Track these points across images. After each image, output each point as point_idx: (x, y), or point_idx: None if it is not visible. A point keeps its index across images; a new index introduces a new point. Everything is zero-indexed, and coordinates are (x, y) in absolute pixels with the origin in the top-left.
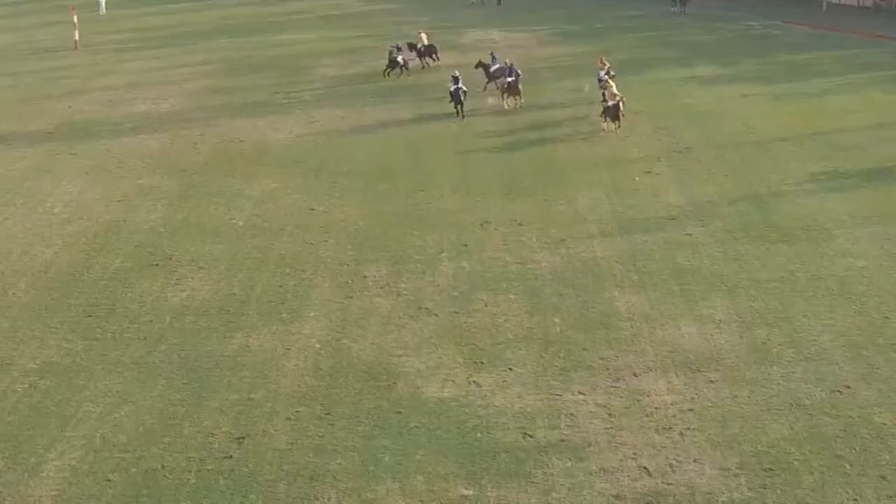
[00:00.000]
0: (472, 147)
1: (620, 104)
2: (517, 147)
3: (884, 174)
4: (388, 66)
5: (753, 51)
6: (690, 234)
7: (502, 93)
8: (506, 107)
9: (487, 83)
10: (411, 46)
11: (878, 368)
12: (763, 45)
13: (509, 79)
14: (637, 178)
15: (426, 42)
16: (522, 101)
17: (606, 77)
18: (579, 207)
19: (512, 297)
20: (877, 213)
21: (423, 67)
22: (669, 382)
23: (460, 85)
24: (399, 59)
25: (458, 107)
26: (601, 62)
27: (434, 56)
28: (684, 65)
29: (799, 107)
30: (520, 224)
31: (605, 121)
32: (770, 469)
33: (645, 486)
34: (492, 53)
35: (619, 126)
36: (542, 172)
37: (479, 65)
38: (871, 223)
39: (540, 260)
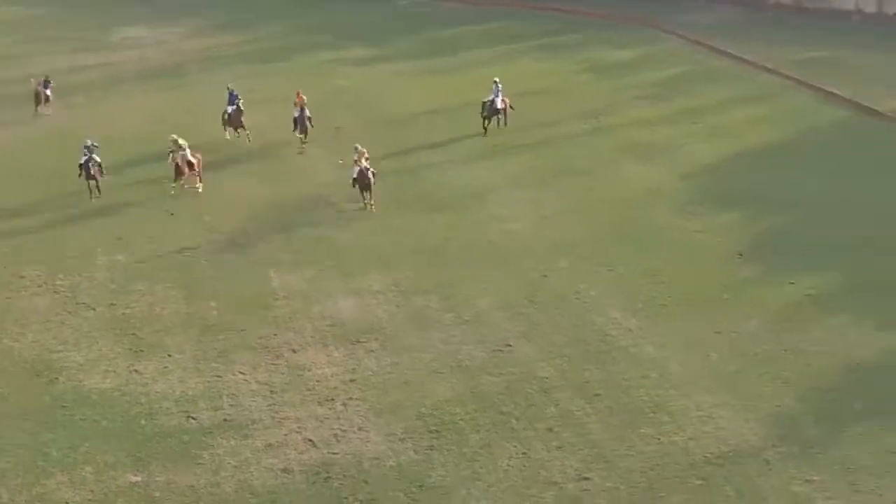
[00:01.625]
0: (124, 142)
1: (369, 172)
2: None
3: (535, 138)
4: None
5: (403, 29)
6: (343, 211)
7: (223, 123)
8: (227, 137)
9: None
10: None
11: (538, 325)
12: (412, 24)
13: (229, 108)
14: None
15: None
16: (248, 132)
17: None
18: (230, 194)
19: (168, 285)
20: (529, 178)
21: None
22: (329, 355)
23: (94, 156)
24: (47, 92)
25: (90, 181)
26: (298, 96)
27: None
28: (335, 48)
29: (449, 80)
30: (172, 214)
31: (357, 190)
32: (436, 431)
33: (312, 457)
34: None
35: (372, 199)
36: None
37: None
38: (523, 187)
39: (194, 246)
